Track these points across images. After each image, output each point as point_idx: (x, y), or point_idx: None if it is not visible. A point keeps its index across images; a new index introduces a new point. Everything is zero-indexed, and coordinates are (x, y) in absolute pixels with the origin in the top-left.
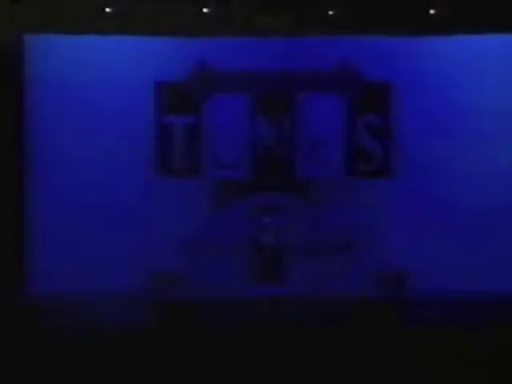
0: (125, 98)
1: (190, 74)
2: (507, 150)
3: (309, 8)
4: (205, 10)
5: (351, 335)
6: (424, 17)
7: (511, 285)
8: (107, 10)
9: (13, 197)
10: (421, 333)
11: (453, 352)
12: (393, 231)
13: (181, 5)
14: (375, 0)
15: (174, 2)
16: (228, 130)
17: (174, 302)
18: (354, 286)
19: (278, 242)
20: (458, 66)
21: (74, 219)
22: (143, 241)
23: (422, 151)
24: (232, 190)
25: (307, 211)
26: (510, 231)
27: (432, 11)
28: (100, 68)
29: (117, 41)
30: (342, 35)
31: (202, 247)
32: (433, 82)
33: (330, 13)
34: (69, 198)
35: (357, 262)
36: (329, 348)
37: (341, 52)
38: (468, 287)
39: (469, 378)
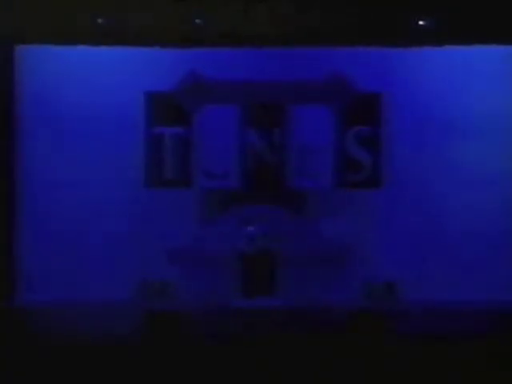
0: (115, 108)
1: (181, 85)
2: (499, 160)
3: (298, 19)
4: (196, 20)
5: (340, 346)
6: (413, 28)
7: (502, 294)
8: (99, 20)
9: (1, 209)
10: (410, 343)
11: (442, 362)
12: (382, 241)
13: (172, 15)
14: (364, 11)
15: (165, 13)
16: (218, 141)
17: (161, 311)
18: (344, 296)
19: (267, 252)
20: (448, 77)
21: (64, 229)
22: (132, 251)
23: (412, 162)
24: (222, 201)
25: (297, 222)
26: (500, 241)
27: (421, 22)
28: (90, 78)
29: (107, 51)
30: (331, 46)
31: (191, 257)
32: (422, 92)
33: (320, 24)
34: (58, 208)
35: (346, 272)
36: (318, 359)
37: (331, 63)
38: (458, 297)
39: None
